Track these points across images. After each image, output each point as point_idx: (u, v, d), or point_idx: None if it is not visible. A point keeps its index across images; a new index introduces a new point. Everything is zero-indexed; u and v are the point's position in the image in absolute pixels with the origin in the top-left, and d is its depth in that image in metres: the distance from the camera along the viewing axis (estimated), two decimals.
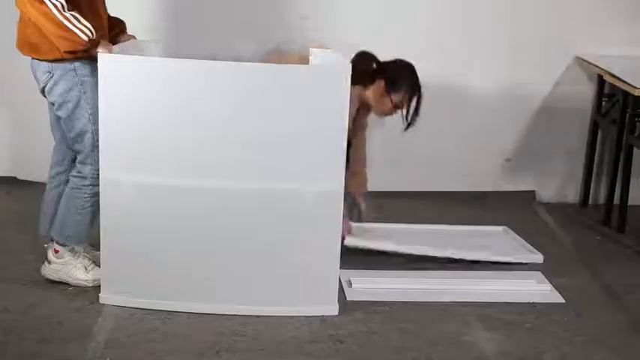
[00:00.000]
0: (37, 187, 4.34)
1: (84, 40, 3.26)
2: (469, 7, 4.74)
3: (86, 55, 3.31)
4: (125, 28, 3.67)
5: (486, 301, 3.63)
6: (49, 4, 3.22)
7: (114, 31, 3.59)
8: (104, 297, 3.46)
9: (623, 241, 4.46)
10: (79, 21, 3.24)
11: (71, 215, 3.52)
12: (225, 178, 3.34)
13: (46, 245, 3.65)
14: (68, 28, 3.24)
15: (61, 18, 3.22)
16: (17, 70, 4.15)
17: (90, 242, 3.63)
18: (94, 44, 3.28)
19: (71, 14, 3.23)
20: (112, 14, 3.60)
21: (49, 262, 3.60)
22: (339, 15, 4.71)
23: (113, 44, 3.42)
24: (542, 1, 4.77)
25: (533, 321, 3.51)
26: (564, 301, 3.69)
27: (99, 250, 3.48)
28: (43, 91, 3.47)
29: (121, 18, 3.66)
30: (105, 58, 3.26)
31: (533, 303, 3.65)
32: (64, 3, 3.22)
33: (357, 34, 4.52)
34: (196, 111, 3.30)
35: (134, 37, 3.65)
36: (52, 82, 3.40)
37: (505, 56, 4.81)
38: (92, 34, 3.26)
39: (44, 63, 3.38)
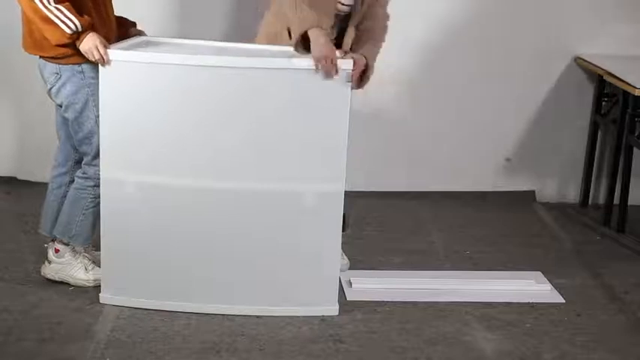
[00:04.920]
0: (37, 187, 4.35)
1: (67, 33, 3.24)
2: (470, 6, 4.74)
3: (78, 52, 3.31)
4: (135, 25, 3.66)
5: (486, 301, 3.63)
6: None
7: (124, 28, 3.59)
8: (104, 297, 3.47)
9: (623, 241, 4.46)
10: (63, 13, 3.23)
11: (76, 215, 3.52)
12: (225, 178, 3.34)
13: (46, 245, 3.65)
14: (52, 20, 3.23)
15: (45, 11, 3.22)
16: (18, 71, 4.17)
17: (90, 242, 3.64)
18: (79, 37, 3.26)
19: (56, 7, 3.22)
20: (124, 15, 3.61)
21: (50, 262, 3.60)
22: None
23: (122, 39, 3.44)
24: (542, 1, 4.77)
25: (533, 321, 3.51)
26: (564, 301, 3.69)
27: (99, 250, 3.49)
28: (49, 92, 3.47)
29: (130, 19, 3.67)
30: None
31: (533, 303, 3.65)
32: None
33: None
34: (197, 111, 3.30)
35: (144, 33, 3.65)
36: (59, 83, 3.40)
37: (505, 56, 4.81)
38: (77, 27, 3.24)
39: (51, 64, 3.39)
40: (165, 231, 3.39)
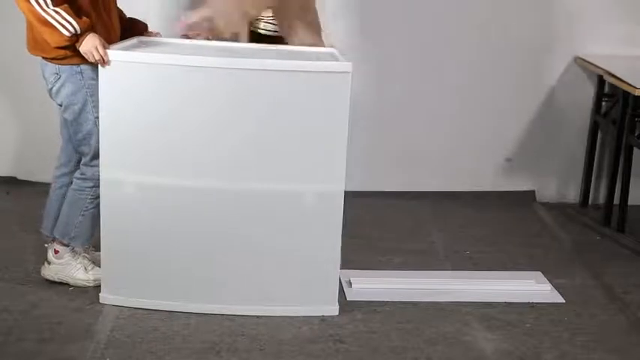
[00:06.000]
0: (37, 187, 4.35)
1: (65, 36, 3.25)
2: (470, 6, 4.74)
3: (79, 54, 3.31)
4: (147, 27, 3.68)
5: (486, 301, 3.63)
6: (32, 0, 3.22)
7: (137, 30, 3.62)
8: (104, 297, 3.47)
9: (623, 241, 4.46)
10: (61, 16, 3.23)
11: (75, 216, 3.52)
12: (226, 178, 3.34)
13: (46, 245, 3.65)
14: (50, 23, 3.23)
15: (43, 14, 3.23)
16: (19, 71, 4.17)
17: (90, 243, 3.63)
18: (78, 39, 3.26)
19: (54, 10, 3.22)
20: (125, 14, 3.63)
21: (49, 263, 3.60)
22: None
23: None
24: (542, 1, 4.77)
25: (533, 321, 3.51)
26: (564, 301, 3.69)
27: (99, 250, 3.49)
28: (50, 92, 3.47)
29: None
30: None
31: (533, 303, 3.65)
32: None
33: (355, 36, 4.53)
34: (196, 111, 3.30)
35: (159, 34, 3.67)
36: (58, 84, 3.40)
37: (505, 56, 4.81)
38: (75, 29, 3.25)
39: (51, 64, 3.39)
40: (165, 231, 3.39)
